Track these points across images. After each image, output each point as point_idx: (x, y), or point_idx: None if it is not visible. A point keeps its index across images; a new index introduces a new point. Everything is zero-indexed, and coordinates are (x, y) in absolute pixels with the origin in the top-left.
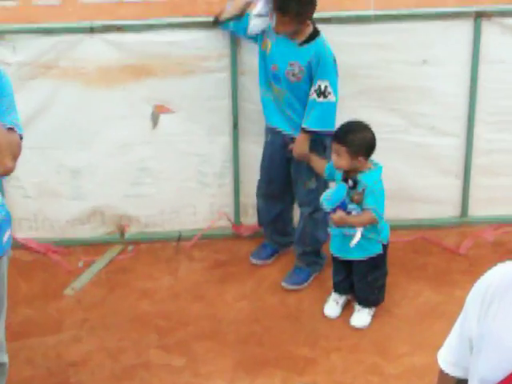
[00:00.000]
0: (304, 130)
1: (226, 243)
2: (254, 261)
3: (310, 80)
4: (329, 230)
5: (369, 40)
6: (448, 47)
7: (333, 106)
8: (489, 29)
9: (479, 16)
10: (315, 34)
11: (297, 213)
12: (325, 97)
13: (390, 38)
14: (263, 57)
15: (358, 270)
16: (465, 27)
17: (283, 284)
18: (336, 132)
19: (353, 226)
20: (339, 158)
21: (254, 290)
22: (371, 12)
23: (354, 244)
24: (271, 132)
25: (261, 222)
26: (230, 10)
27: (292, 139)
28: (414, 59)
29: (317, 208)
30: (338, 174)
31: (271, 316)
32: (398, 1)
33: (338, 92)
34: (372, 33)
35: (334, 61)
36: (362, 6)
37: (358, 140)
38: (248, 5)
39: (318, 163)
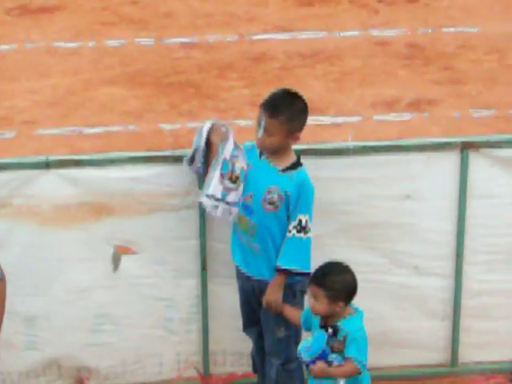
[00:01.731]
0: (279, 270)
1: None
2: None
3: (287, 213)
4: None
5: (347, 174)
6: (432, 181)
7: (310, 244)
8: (476, 161)
9: (466, 147)
10: (298, 163)
11: None
12: (305, 233)
13: (369, 172)
14: None
15: None
16: (450, 159)
17: None
18: (314, 274)
19: (334, 378)
20: (316, 303)
21: None
22: (349, 143)
23: None
24: (240, 276)
25: (254, 369)
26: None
27: (259, 283)
28: (395, 194)
29: (288, 359)
30: (316, 321)
31: None
32: (377, 131)
33: (315, 229)
34: (350, 166)
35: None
36: (339, 137)
37: (337, 283)
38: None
39: (292, 313)
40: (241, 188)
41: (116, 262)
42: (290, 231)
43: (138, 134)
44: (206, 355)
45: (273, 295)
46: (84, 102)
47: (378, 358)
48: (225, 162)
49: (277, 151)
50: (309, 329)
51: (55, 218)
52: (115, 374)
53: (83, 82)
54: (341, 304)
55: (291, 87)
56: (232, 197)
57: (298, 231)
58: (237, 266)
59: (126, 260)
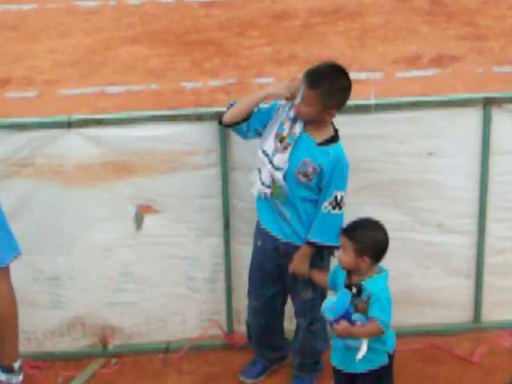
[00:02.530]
0: (310, 244)
1: (218, 354)
2: (244, 379)
3: (318, 185)
4: (330, 340)
5: (369, 131)
6: (455, 137)
7: (343, 217)
8: (499, 117)
9: (489, 103)
10: (336, 137)
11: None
12: (340, 208)
13: (392, 129)
14: None
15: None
16: (473, 115)
17: None
18: (346, 226)
19: (357, 338)
20: (344, 255)
21: None
22: (371, 101)
23: (360, 357)
24: (262, 236)
25: (249, 336)
26: (234, 110)
27: (285, 245)
28: (418, 151)
29: (314, 319)
30: (341, 281)
31: None
32: (400, 88)
33: None
34: (373, 123)
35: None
36: (361, 94)
37: (366, 238)
38: (255, 105)
39: (320, 277)
40: (288, 152)
41: (139, 221)
42: (325, 207)
43: (159, 93)
44: (229, 313)
45: (300, 266)
46: (105, 62)
47: (402, 317)
48: (282, 123)
49: (313, 122)
50: (335, 289)
51: (78, 177)
52: (139, 332)
53: (104, 42)
54: (367, 260)
55: (334, 61)
56: (278, 158)
57: (334, 207)
58: (260, 226)
59: (148, 219)
